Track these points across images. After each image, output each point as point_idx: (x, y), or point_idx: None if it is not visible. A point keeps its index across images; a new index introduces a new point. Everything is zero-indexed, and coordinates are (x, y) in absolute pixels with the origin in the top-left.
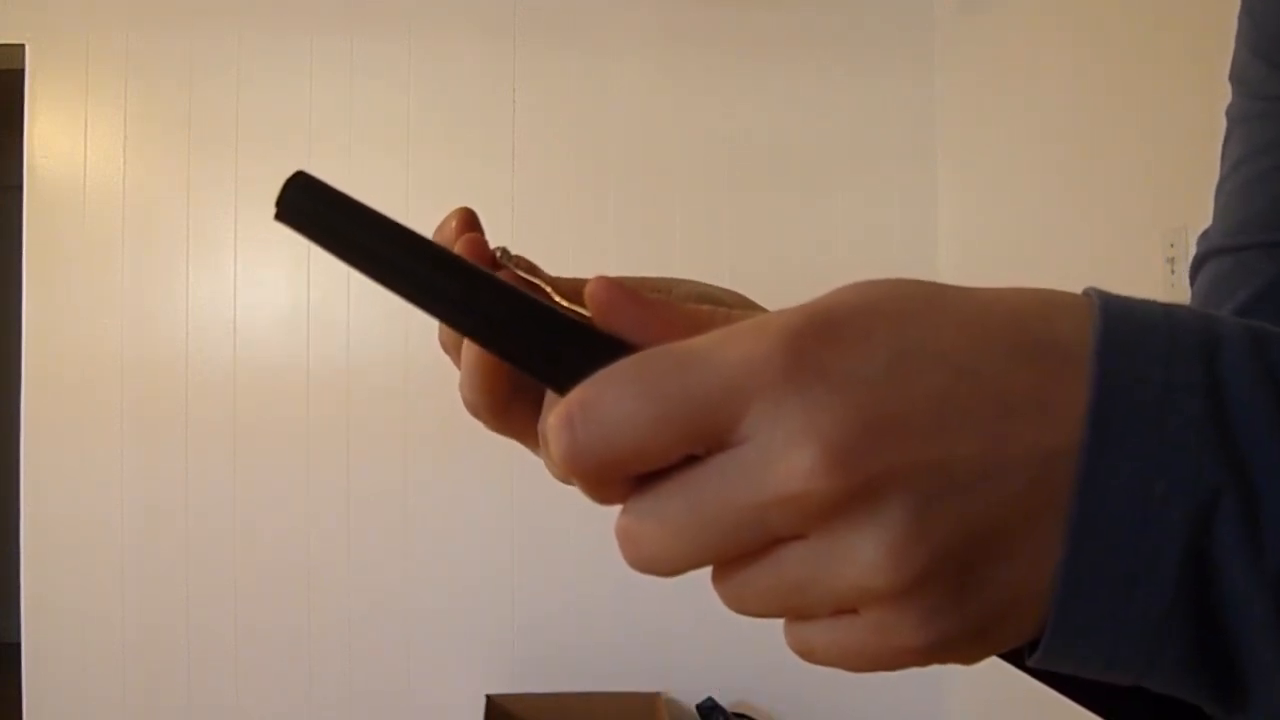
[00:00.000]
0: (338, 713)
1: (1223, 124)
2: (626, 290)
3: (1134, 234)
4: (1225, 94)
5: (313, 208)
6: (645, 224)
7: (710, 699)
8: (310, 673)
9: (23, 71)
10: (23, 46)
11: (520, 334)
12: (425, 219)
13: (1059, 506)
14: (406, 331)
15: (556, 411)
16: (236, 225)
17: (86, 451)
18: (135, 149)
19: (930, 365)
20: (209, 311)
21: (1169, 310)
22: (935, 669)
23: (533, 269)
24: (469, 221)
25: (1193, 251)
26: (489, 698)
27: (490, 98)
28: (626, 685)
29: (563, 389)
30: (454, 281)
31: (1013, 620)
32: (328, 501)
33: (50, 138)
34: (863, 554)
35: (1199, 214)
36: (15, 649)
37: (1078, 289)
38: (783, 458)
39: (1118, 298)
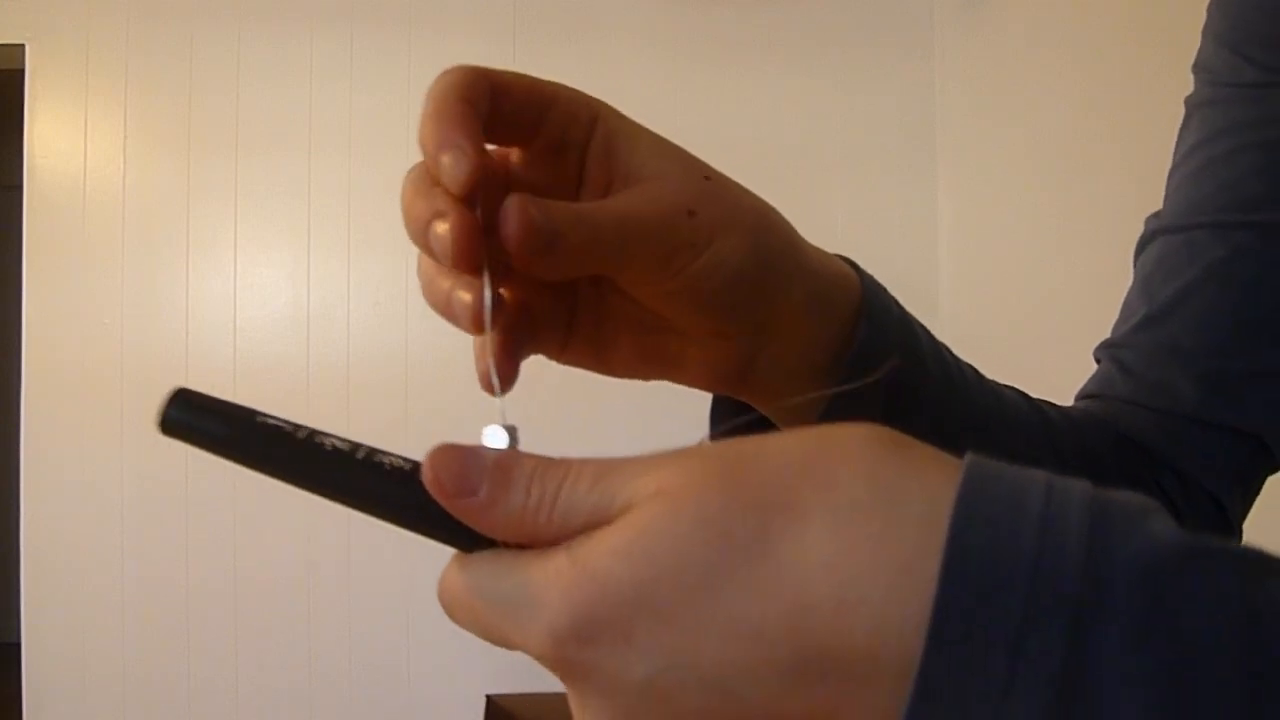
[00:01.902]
0: (338, 712)
1: None
2: (445, 491)
3: (1135, 233)
4: None
5: (191, 420)
6: None
7: None
8: (310, 672)
9: (23, 71)
10: (23, 46)
11: (361, 490)
12: None
13: None
14: (407, 331)
15: (438, 589)
16: (236, 225)
17: (86, 452)
18: (135, 149)
19: (689, 683)
20: (209, 311)
21: (1042, 541)
22: None
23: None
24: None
25: None
26: (489, 698)
27: None
28: None
29: (404, 520)
30: (323, 472)
31: None
32: (328, 502)
33: (50, 138)
34: None
35: None
36: (15, 649)
37: (1077, 288)
38: None
39: (979, 508)
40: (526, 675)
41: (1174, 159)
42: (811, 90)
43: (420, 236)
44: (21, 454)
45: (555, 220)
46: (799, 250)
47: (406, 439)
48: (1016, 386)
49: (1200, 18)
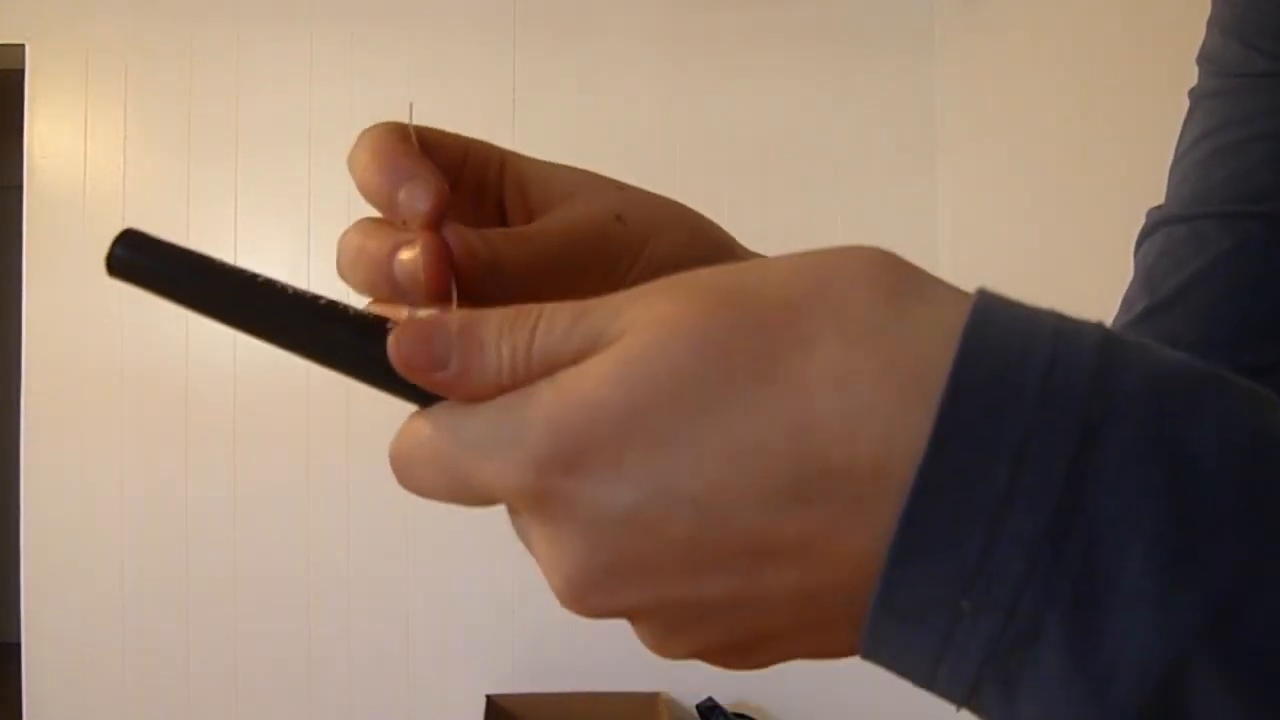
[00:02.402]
0: (338, 712)
1: None
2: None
3: (1134, 233)
4: None
5: (140, 261)
6: None
7: (710, 699)
8: (310, 672)
9: (23, 71)
10: (23, 46)
11: (323, 337)
12: None
13: (845, 620)
14: None
15: (391, 447)
16: (236, 225)
17: (86, 452)
18: (135, 149)
19: (679, 509)
20: None
21: (1054, 355)
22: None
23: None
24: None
25: None
26: (489, 698)
27: (490, 98)
28: (626, 685)
29: (368, 375)
30: (275, 310)
31: (810, 652)
32: (328, 501)
33: (50, 138)
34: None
35: None
36: (15, 649)
37: (1077, 287)
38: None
39: (991, 326)
40: (526, 675)
41: (1177, 150)
42: (811, 90)
43: (376, 275)
44: (21, 454)
45: (495, 244)
46: (736, 245)
47: None
48: None
49: (1202, 15)
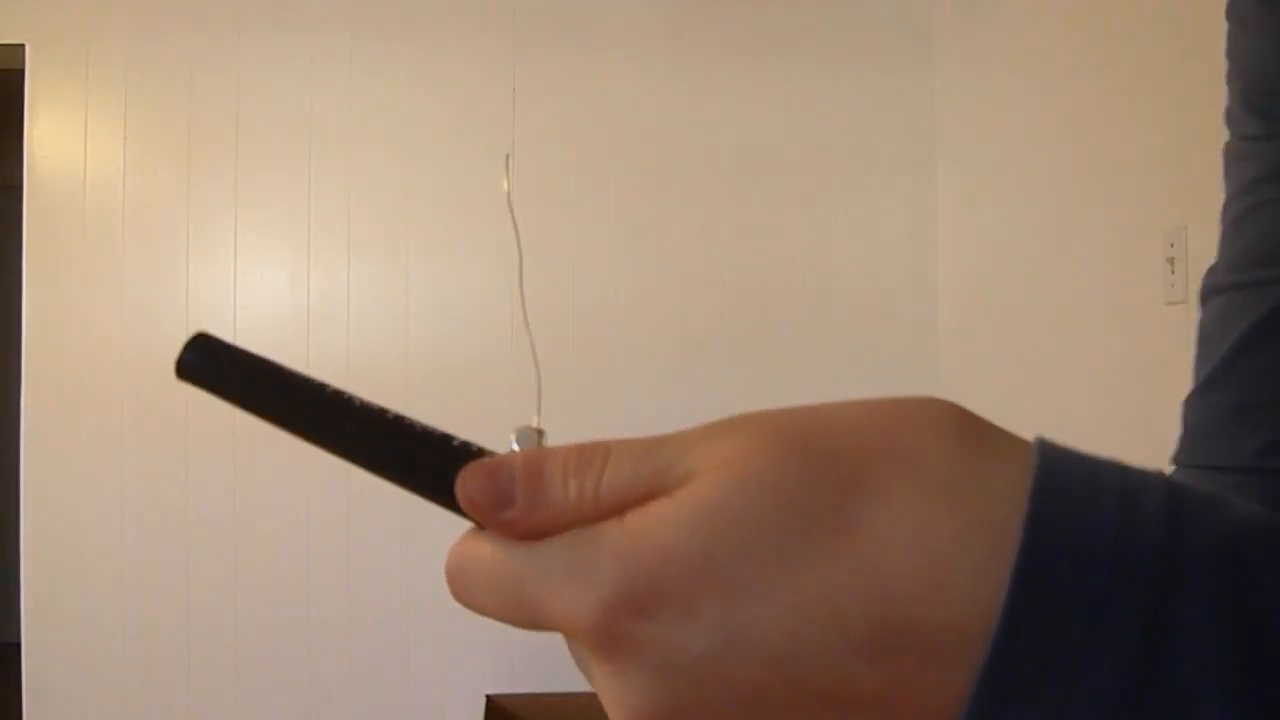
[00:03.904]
0: (338, 712)
1: (1220, 125)
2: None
3: (1134, 233)
4: (1223, 93)
5: (209, 366)
6: (645, 222)
7: None
8: (310, 672)
9: (23, 71)
10: (23, 46)
11: (390, 454)
12: (425, 218)
13: None
14: (407, 332)
15: (447, 560)
16: (236, 225)
17: (87, 452)
18: (135, 149)
19: (753, 658)
20: (209, 312)
21: (1122, 513)
22: None
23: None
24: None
25: (1191, 251)
26: (489, 698)
27: (490, 98)
28: None
29: (432, 495)
30: (343, 422)
31: None
32: (328, 501)
33: (50, 138)
34: None
35: (1199, 214)
36: (15, 649)
37: (1077, 289)
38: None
39: (1058, 487)
40: (526, 675)
41: (1225, 198)
42: (811, 90)
43: None
44: (21, 454)
45: None
46: None
47: None
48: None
49: (1199, 18)
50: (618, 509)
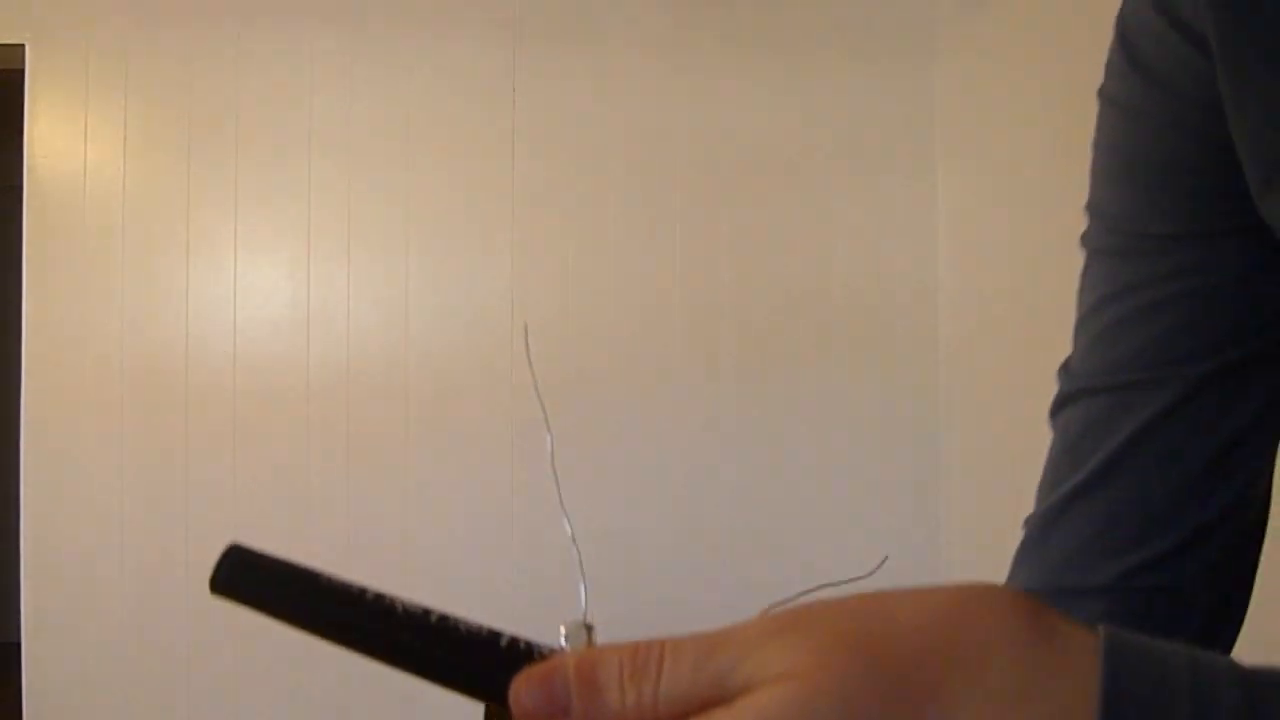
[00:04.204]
0: (338, 713)
1: None
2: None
3: None
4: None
5: (246, 580)
6: (645, 222)
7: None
8: (310, 672)
9: (23, 71)
10: (23, 46)
11: (438, 661)
12: (425, 218)
13: None
14: (407, 331)
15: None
16: (236, 225)
17: (87, 453)
18: (135, 149)
19: None
20: (209, 311)
21: (1198, 705)
22: None
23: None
24: None
25: None
26: None
27: (490, 97)
28: None
29: (486, 698)
30: (388, 631)
31: None
32: (328, 501)
33: (50, 138)
34: None
35: None
36: (15, 649)
37: (1076, 287)
38: None
39: (1130, 687)
40: None
41: (1079, 307)
42: (812, 89)
43: None
44: (21, 454)
45: None
46: None
47: (406, 438)
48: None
49: None
50: (678, 714)
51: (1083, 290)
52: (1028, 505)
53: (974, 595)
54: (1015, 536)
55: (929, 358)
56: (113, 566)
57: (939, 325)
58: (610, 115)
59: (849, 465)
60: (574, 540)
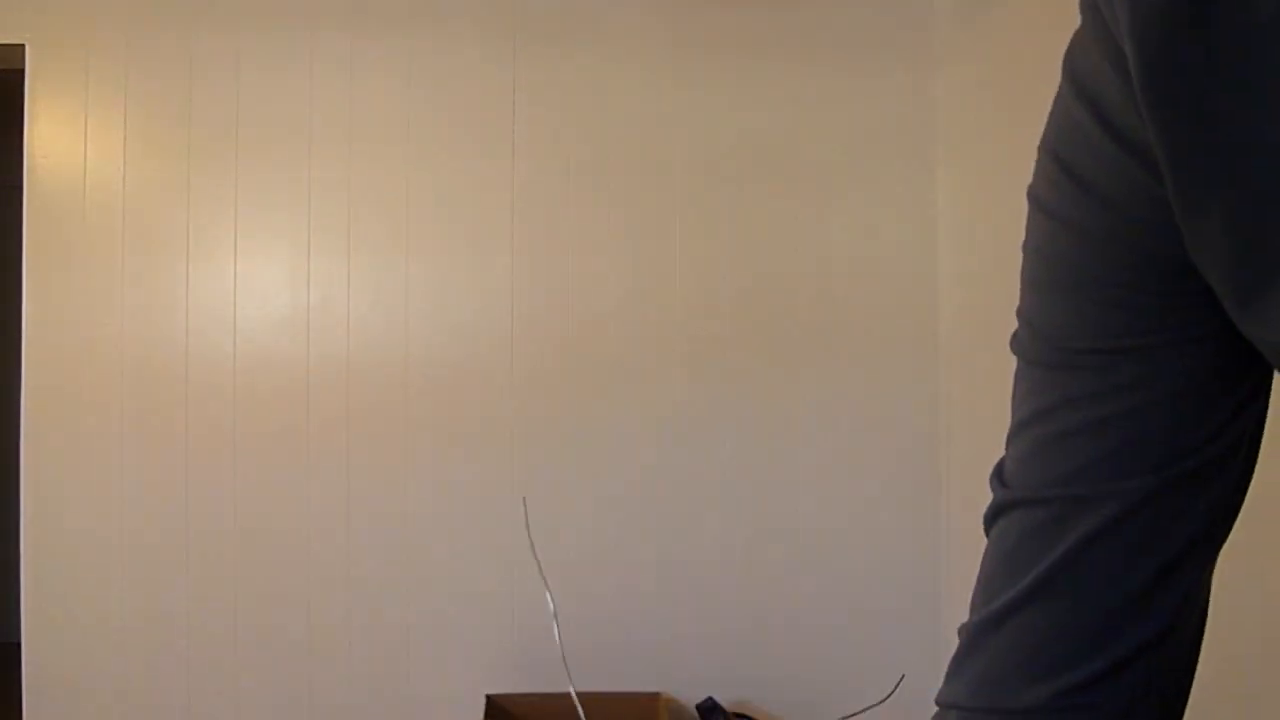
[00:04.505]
0: (338, 713)
1: None
2: None
3: None
4: None
5: None
6: (646, 223)
7: (710, 699)
8: (310, 673)
9: (23, 71)
10: (23, 46)
11: None
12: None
13: None
14: (407, 331)
15: None
16: (236, 225)
17: (86, 452)
18: (135, 149)
19: None
20: (209, 311)
21: None
22: (937, 681)
23: None
24: None
25: None
26: (489, 698)
27: (490, 98)
28: (626, 685)
29: None
30: None
31: None
32: (328, 501)
33: (50, 138)
34: None
35: None
36: (15, 649)
37: None
38: None
39: None
40: (527, 675)
41: (1014, 413)
42: (812, 90)
43: None
44: (21, 454)
45: None
46: None
47: (406, 438)
48: None
49: None
50: None
51: (1015, 398)
52: None
53: None
54: None
55: (929, 356)
56: (113, 566)
57: (938, 323)
58: (610, 115)
59: (849, 465)
60: (555, 614)
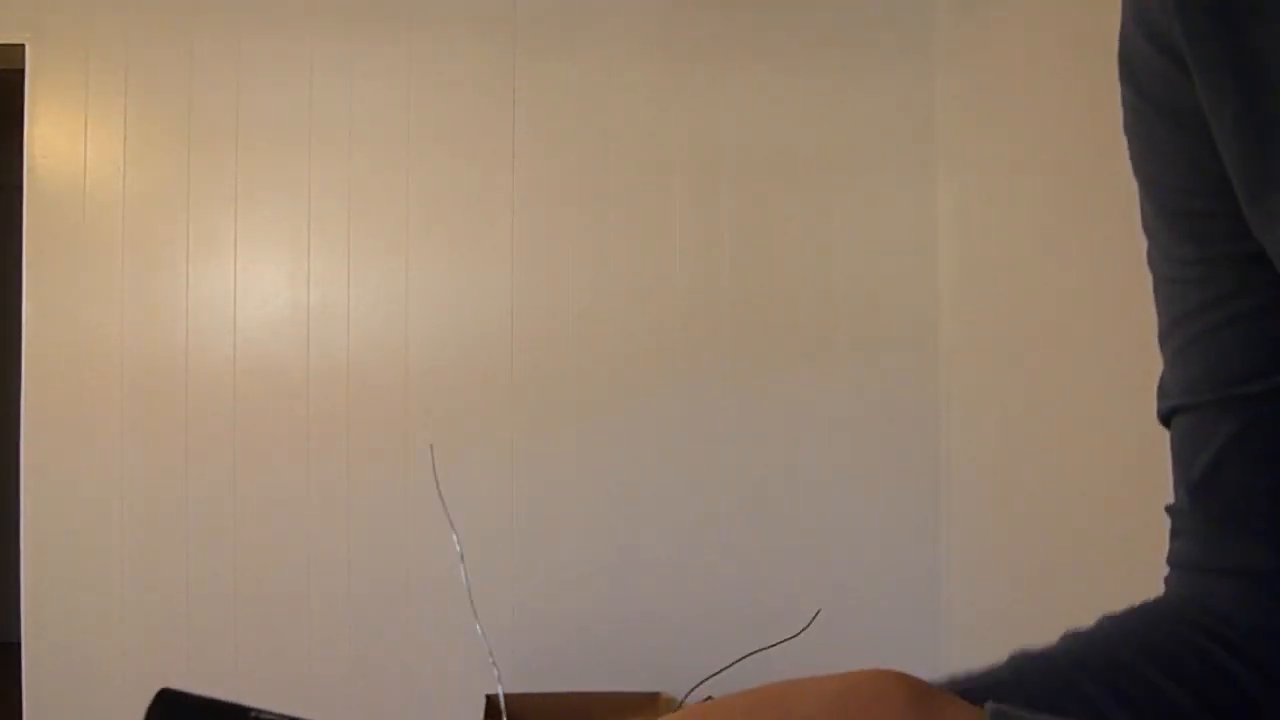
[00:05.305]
0: (338, 712)
1: None
2: None
3: (1133, 234)
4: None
5: None
6: (645, 223)
7: (710, 699)
8: (310, 672)
9: (23, 71)
10: (23, 46)
11: None
12: (425, 219)
13: None
14: (407, 331)
15: None
16: (236, 225)
17: (86, 451)
18: (135, 149)
19: None
20: (209, 311)
21: None
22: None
23: None
24: None
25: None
26: (489, 698)
27: (490, 98)
28: (626, 685)
29: None
30: None
31: None
32: (328, 500)
33: (50, 138)
34: None
35: None
36: (15, 649)
37: (1076, 288)
38: None
39: None
40: (526, 675)
41: (1159, 325)
42: (811, 90)
43: None
44: (21, 454)
45: None
46: None
47: (406, 437)
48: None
49: None
50: None
51: (1158, 310)
52: (1027, 502)
53: (863, 681)
54: (1014, 535)
55: (929, 356)
56: (113, 566)
57: (938, 324)
58: (610, 116)
59: (849, 465)
60: (461, 555)
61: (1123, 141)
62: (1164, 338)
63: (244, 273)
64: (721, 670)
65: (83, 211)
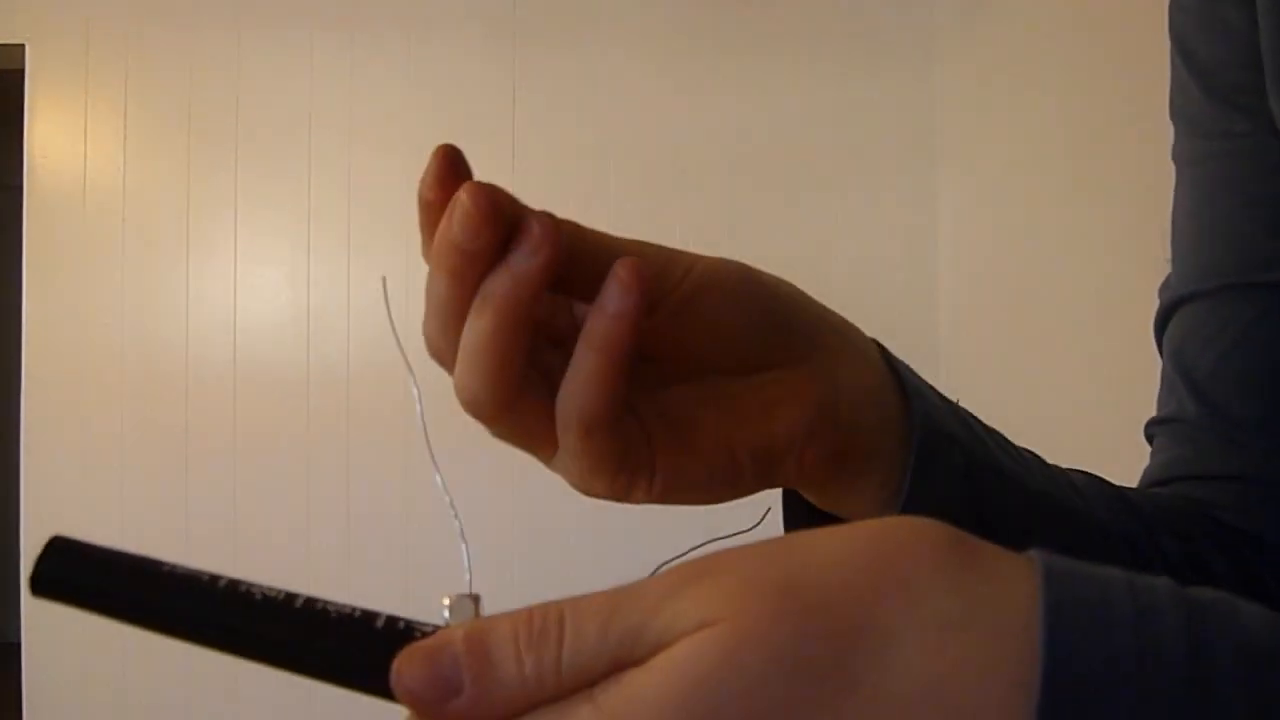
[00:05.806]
0: (338, 712)
1: None
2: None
3: (1134, 234)
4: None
5: (74, 577)
6: (646, 223)
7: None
8: None
9: (23, 71)
10: (23, 46)
11: (307, 650)
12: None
13: None
14: (407, 331)
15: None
16: (236, 225)
17: (87, 453)
18: (135, 149)
19: None
20: (209, 311)
21: (1140, 641)
22: None
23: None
24: (451, 168)
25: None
26: None
27: (490, 97)
28: None
29: (367, 690)
30: (247, 622)
31: None
32: (328, 502)
33: (50, 138)
34: None
35: None
36: (15, 649)
37: (1076, 288)
38: None
39: (1069, 613)
40: None
41: (1174, 219)
42: (811, 89)
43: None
44: (21, 454)
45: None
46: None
47: (406, 438)
48: (1084, 470)
49: None
50: (584, 682)
51: (1175, 205)
52: None
53: (894, 527)
54: None
55: (929, 356)
56: None
57: (938, 323)
58: (610, 117)
59: None
60: (453, 509)
61: (1122, 141)
62: (1181, 228)
63: (244, 273)
64: None
65: (83, 211)
